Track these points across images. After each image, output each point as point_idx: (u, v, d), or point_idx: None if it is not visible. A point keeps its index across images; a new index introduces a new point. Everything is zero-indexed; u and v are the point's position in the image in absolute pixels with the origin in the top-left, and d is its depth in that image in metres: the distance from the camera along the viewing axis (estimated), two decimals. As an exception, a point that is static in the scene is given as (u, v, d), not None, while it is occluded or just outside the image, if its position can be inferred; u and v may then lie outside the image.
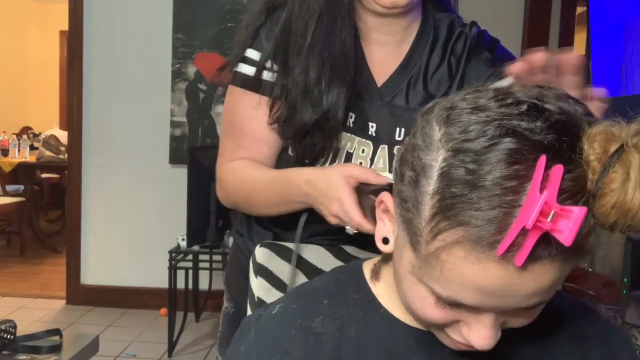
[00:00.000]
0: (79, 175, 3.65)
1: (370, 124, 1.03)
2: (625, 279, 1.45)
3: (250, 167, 1.05)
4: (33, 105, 7.50)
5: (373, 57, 1.05)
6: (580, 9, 3.43)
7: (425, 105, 0.96)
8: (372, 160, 1.03)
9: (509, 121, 0.53)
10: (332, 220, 0.91)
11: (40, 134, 6.07)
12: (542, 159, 0.51)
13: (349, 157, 1.03)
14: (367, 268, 0.76)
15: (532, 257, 0.51)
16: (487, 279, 0.53)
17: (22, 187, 5.31)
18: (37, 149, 5.35)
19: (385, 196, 0.66)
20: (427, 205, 0.56)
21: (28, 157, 5.32)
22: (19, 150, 5.37)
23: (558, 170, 0.51)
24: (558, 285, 0.56)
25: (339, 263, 0.99)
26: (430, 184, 0.55)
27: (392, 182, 0.79)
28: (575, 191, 0.52)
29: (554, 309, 0.70)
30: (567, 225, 0.49)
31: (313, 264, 1.00)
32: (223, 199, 1.11)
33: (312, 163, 1.04)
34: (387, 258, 0.73)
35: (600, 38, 1.72)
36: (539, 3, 3.17)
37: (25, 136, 6.23)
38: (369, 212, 0.85)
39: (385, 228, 0.67)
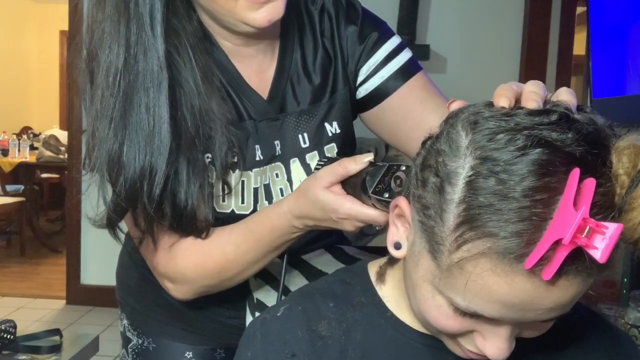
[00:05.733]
0: (79, 175, 3.63)
1: (275, 142, 0.94)
2: (625, 279, 1.45)
3: (198, 241, 0.89)
4: (33, 105, 7.50)
5: (249, 73, 0.94)
6: (580, 9, 3.42)
7: (317, 99, 0.96)
8: (289, 180, 0.95)
9: (539, 131, 0.52)
10: (356, 231, 0.83)
11: (40, 134, 6.08)
12: (576, 172, 0.49)
13: (267, 189, 0.94)
14: (372, 270, 0.75)
15: (559, 271, 0.50)
16: (512, 292, 0.52)
17: (22, 187, 5.32)
18: (37, 149, 5.36)
19: (401, 201, 0.63)
20: (452, 214, 0.54)
21: (28, 157, 5.32)
22: (19, 150, 5.38)
23: (591, 184, 0.49)
24: (577, 299, 0.56)
25: (339, 265, 0.99)
26: (456, 192, 0.54)
27: (372, 159, 0.76)
28: (605, 206, 0.51)
29: (565, 317, 0.69)
30: (602, 242, 0.48)
31: (313, 265, 1.00)
32: (185, 293, 0.92)
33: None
34: (393, 260, 0.72)
35: (600, 38, 1.72)
36: (539, 3, 3.17)
37: (25, 136, 6.23)
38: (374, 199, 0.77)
39: (399, 233, 0.64)
